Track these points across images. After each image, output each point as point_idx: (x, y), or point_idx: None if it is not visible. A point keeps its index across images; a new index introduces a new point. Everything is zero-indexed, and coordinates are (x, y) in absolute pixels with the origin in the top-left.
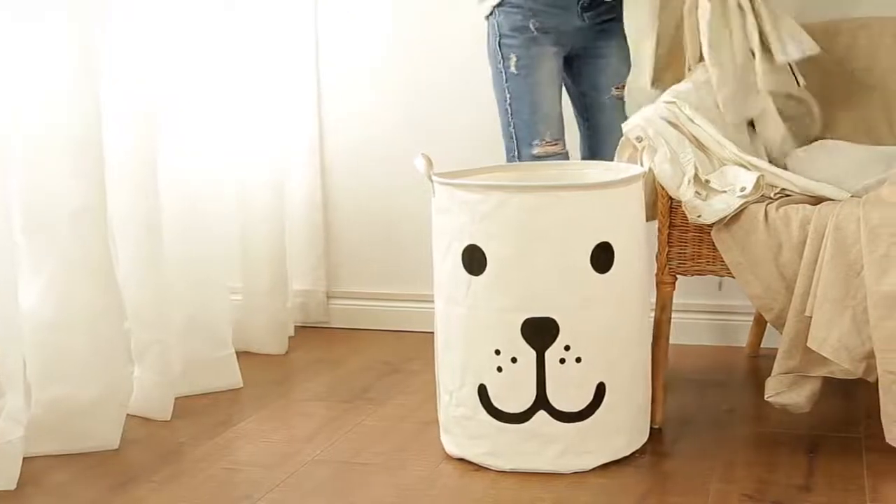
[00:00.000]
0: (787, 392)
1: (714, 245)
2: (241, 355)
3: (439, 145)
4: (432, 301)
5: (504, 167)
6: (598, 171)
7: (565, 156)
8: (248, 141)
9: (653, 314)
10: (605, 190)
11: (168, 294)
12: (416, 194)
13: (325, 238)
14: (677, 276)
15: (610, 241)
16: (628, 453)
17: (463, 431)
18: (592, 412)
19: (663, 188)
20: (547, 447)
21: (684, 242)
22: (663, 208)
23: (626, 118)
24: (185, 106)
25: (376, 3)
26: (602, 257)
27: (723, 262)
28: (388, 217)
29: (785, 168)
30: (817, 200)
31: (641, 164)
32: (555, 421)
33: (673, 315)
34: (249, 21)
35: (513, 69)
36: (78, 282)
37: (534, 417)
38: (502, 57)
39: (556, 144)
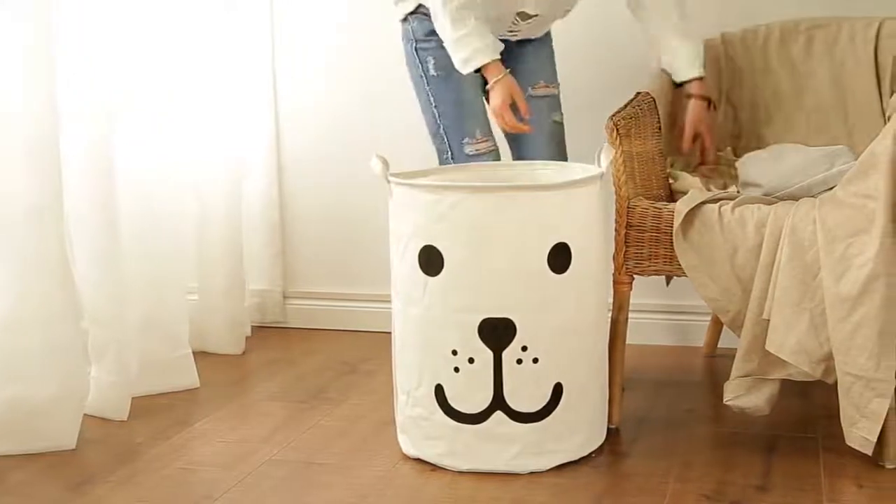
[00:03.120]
0: (745, 395)
1: (671, 245)
2: (198, 355)
3: (396, 144)
4: (389, 301)
5: (460, 168)
6: (553, 171)
7: (497, 153)
8: (205, 140)
9: (610, 314)
10: (562, 191)
11: (125, 294)
12: (374, 194)
13: (281, 238)
14: (634, 276)
15: (567, 242)
16: (585, 453)
17: (420, 432)
18: (549, 412)
19: (620, 188)
20: (504, 447)
21: (641, 243)
22: (620, 209)
23: (547, 118)
24: (142, 105)
25: (331, 1)
26: (559, 258)
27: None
28: (346, 217)
29: (735, 171)
30: (773, 199)
31: (599, 165)
32: (512, 421)
33: (630, 315)
34: (205, 20)
35: (432, 72)
36: (34, 281)
37: (491, 418)
38: (420, 61)
39: (486, 141)
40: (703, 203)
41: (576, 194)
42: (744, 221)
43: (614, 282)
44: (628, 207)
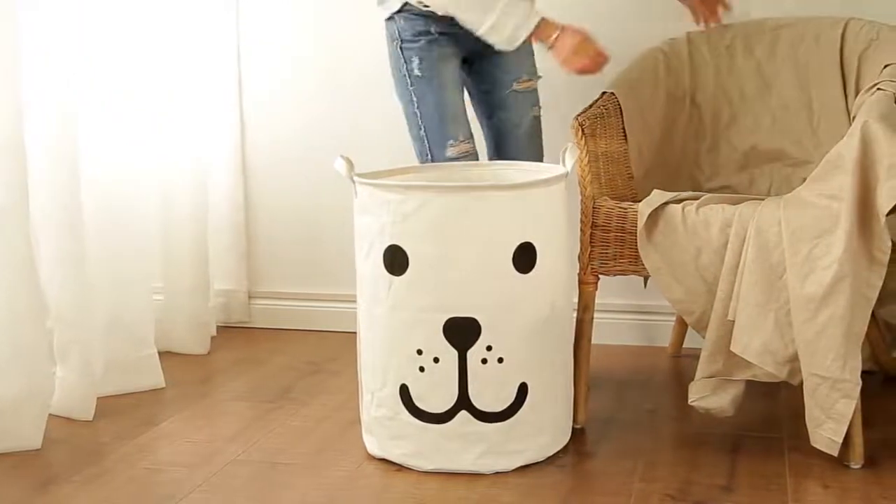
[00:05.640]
0: (710, 396)
1: (637, 245)
2: (163, 355)
3: (361, 143)
4: (355, 301)
5: (426, 167)
6: (519, 171)
7: (476, 155)
8: (170, 140)
9: (575, 314)
10: (527, 190)
11: (90, 294)
12: (339, 194)
13: (246, 237)
14: (599, 275)
15: (532, 242)
16: (551, 453)
17: (385, 432)
18: (515, 412)
19: (585, 188)
20: (469, 447)
21: (606, 243)
22: (586, 208)
23: (528, 112)
24: (107, 105)
25: (297, 1)
26: (524, 257)
27: None
28: (311, 216)
29: None
30: (737, 200)
31: (564, 164)
32: (477, 421)
33: (595, 315)
34: (170, 21)
35: (416, 71)
36: None
37: (456, 418)
38: (405, 60)
39: (468, 143)
40: (666, 204)
41: (541, 194)
42: (708, 223)
43: (579, 281)
44: (593, 207)
